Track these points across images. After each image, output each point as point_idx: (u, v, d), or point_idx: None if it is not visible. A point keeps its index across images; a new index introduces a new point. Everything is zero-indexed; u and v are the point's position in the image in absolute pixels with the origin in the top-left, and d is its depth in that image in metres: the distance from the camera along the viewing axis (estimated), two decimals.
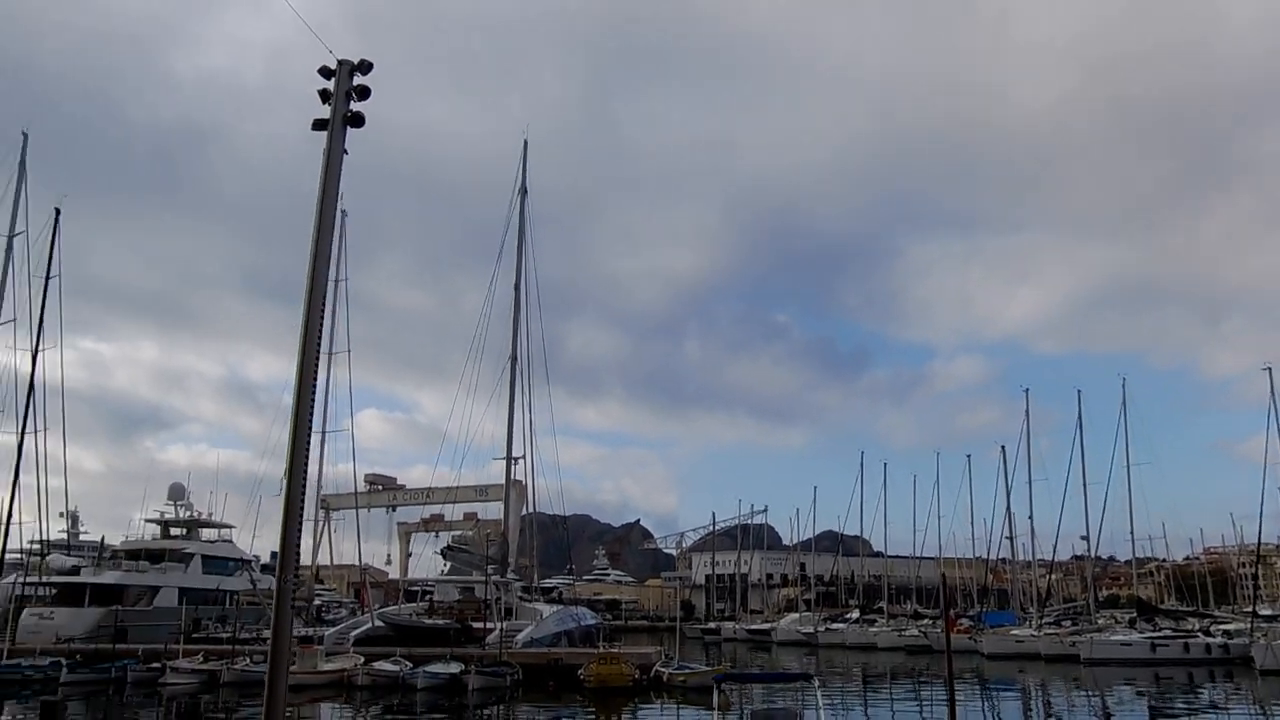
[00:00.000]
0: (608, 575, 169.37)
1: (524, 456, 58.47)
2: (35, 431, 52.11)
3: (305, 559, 74.20)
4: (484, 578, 54.64)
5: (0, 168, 58.63)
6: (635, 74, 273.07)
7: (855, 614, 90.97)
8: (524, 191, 61.52)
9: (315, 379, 12.11)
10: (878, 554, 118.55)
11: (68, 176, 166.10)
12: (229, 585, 61.56)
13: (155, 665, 40.12)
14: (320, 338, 12.23)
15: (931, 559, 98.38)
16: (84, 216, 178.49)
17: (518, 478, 60.87)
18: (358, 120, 11.90)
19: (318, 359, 12.16)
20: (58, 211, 57.56)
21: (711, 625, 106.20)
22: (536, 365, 59.33)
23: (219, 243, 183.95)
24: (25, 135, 60.57)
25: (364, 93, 11.92)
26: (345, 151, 12.14)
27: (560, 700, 37.34)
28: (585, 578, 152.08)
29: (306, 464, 12.15)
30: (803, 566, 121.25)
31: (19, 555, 59.97)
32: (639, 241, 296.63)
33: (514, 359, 59.24)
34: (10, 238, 57.18)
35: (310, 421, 12.22)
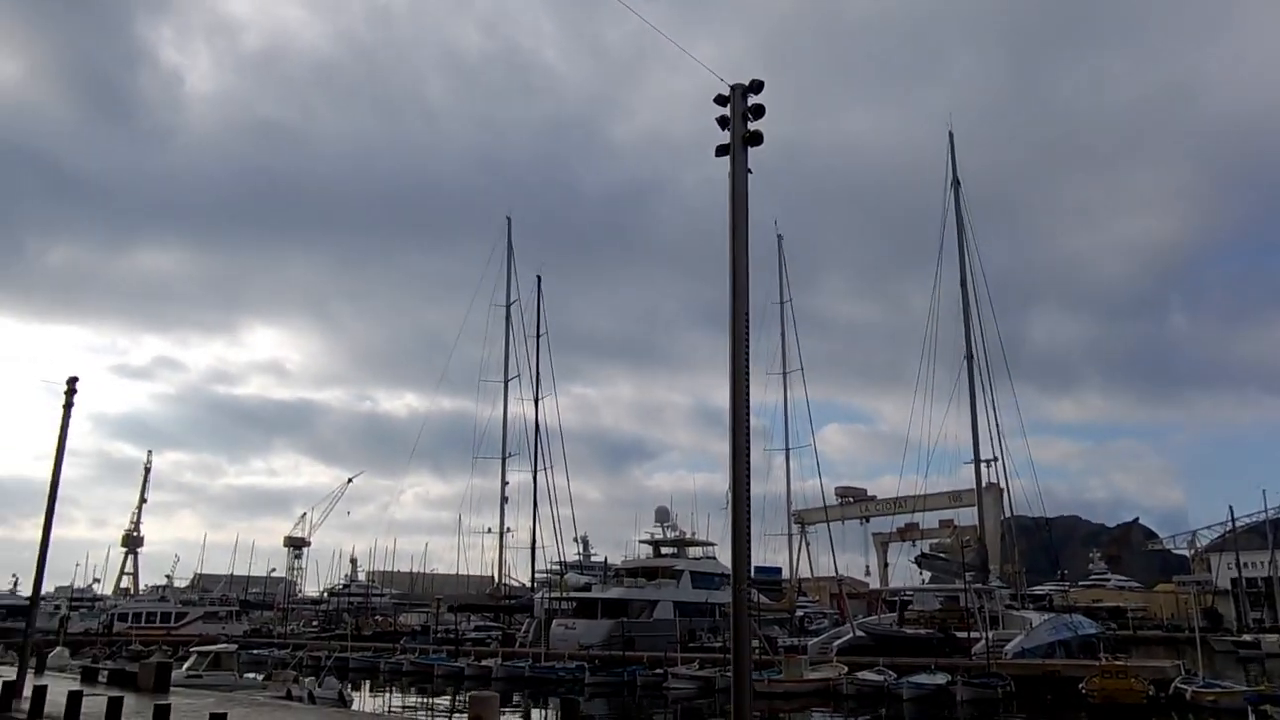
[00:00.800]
0: (1107, 580, 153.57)
1: (996, 459, 55.53)
2: (545, 469, 60.93)
3: (785, 573, 77.18)
4: (964, 585, 52.47)
5: (493, 250, 69.82)
6: (1064, 38, 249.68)
7: None
8: (956, 184, 58.97)
9: (748, 398, 12.49)
10: None
11: (543, 248, 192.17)
12: (716, 598, 65.79)
13: (659, 671, 43.94)
14: (748, 356, 12.62)
15: None
16: (560, 280, 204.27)
17: (991, 480, 57.99)
18: (756, 139, 12.17)
19: (748, 377, 12.56)
20: (539, 279, 67.02)
21: (1247, 638, 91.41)
22: (996, 362, 56.12)
23: (673, 284, 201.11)
24: (509, 219, 71.43)
25: (759, 111, 12.18)
26: (749, 170, 12.51)
27: (1059, 716, 34.45)
28: (1081, 583, 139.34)
29: (749, 481, 12.56)
30: None
31: (545, 574, 69.83)
32: (1095, 215, 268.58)
33: (970, 357, 56.68)
34: (508, 306, 67.67)
35: (748, 440, 12.63)
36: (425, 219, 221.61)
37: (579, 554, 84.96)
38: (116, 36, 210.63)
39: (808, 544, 76.10)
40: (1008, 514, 63.43)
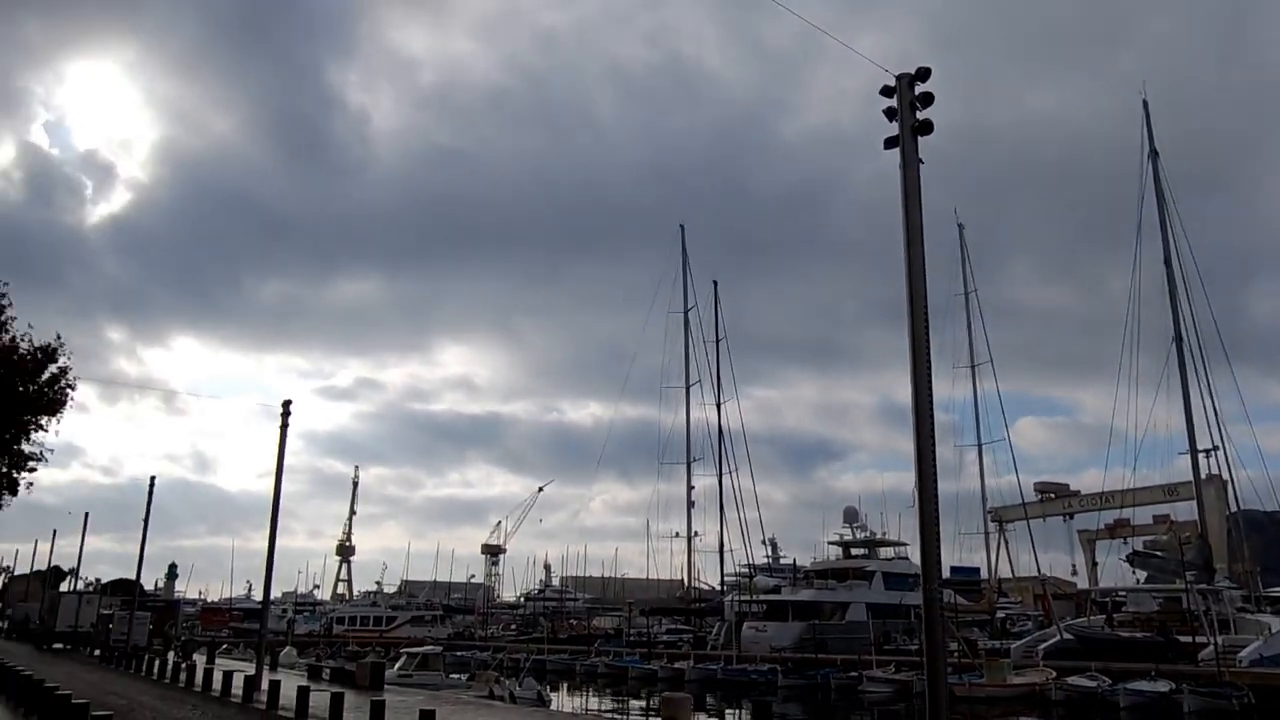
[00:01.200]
0: None
1: (1217, 448, 51.22)
2: (730, 472, 61.15)
3: (984, 573, 74.01)
4: (1186, 585, 48.64)
5: (668, 258, 70.69)
6: None
7: None
8: (1154, 155, 54.80)
9: (930, 394, 12.16)
10: None
11: (718, 253, 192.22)
12: (910, 600, 63.89)
13: (852, 674, 43.12)
14: (929, 349, 12.29)
15: None
16: (736, 284, 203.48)
17: (1212, 472, 53.51)
18: (925, 128, 11.85)
19: (930, 373, 12.23)
20: (715, 285, 67.39)
21: None
22: (1211, 343, 51.70)
23: (851, 281, 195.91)
24: (682, 228, 72.11)
25: (927, 99, 11.84)
26: (921, 161, 12.18)
27: None
28: None
29: (935, 477, 12.21)
30: None
31: (734, 577, 69.91)
32: None
33: (1178, 339, 52.51)
34: (685, 313, 68.28)
35: (932, 436, 12.28)
36: (599, 232, 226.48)
37: (768, 556, 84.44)
38: (310, 86, 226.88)
39: (1006, 543, 72.71)
40: (1233, 508, 58.33)
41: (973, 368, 64.54)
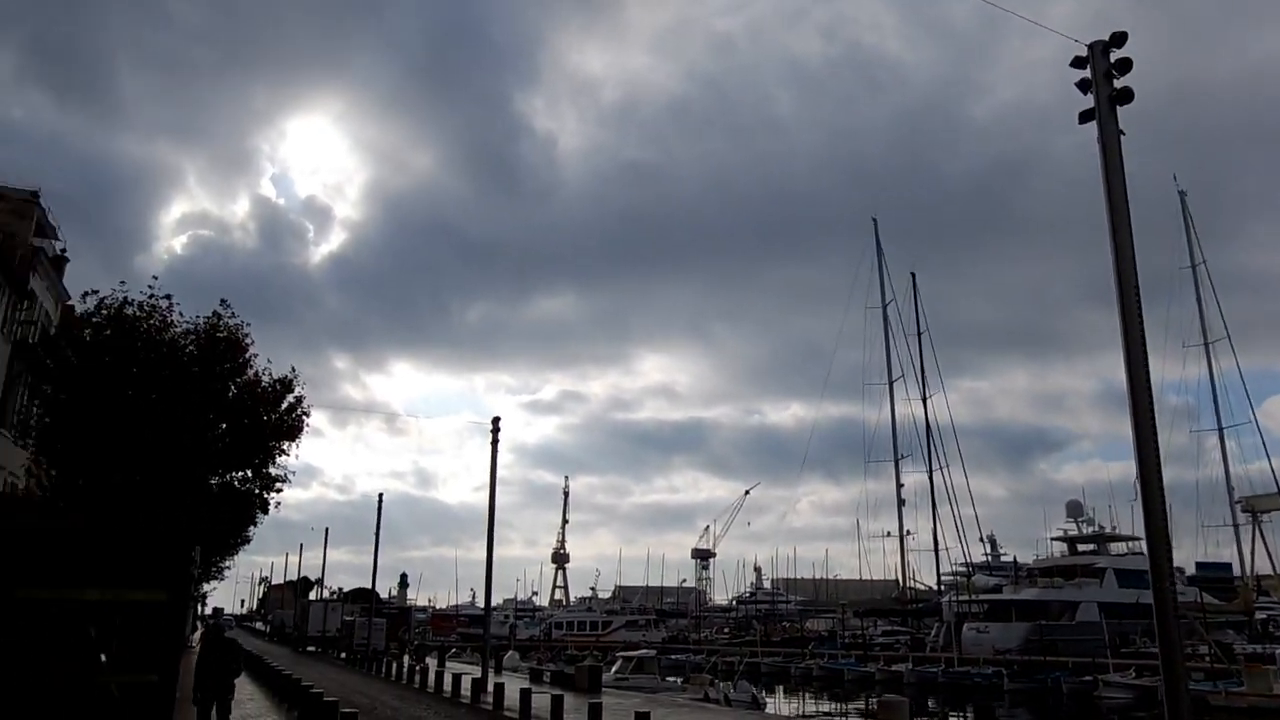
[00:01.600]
0: None
1: None
2: (940, 468, 59.10)
3: (1236, 569, 67.66)
4: None
5: (862, 253, 69.27)
6: None
7: None
8: None
9: (1148, 377, 11.43)
10: None
11: (913, 244, 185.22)
12: (1148, 598, 59.30)
13: (1086, 678, 40.52)
14: (1142, 327, 11.50)
15: None
16: (935, 274, 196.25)
17: None
18: (1125, 96, 11.11)
19: (1145, 349, 11.44)
20: (913, 277, 65.42)
21: None
22: None
23: (1058, 262, 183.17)
24: (874, 220, 70.51)
25: (1125, 66, 11.09)
26: (1121, 132, 11.42)
27: None
28: None
29: (1159, 464, 11.40)
30: None
31: (950, 577, 67.34)
32: None
33: None
34: (884, 308, 66.64)
35: (1152, 421, 11.50)
36: (787, 231, 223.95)
37: (986, 554, 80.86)
38: (500, 116, 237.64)
39: (1263, 536, 66.16)
40: None
41: (1206, 345, 59.45)
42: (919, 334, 63.25)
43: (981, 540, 73.24)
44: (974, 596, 61.22)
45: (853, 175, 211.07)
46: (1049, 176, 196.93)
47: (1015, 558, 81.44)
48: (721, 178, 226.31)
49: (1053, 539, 70.56)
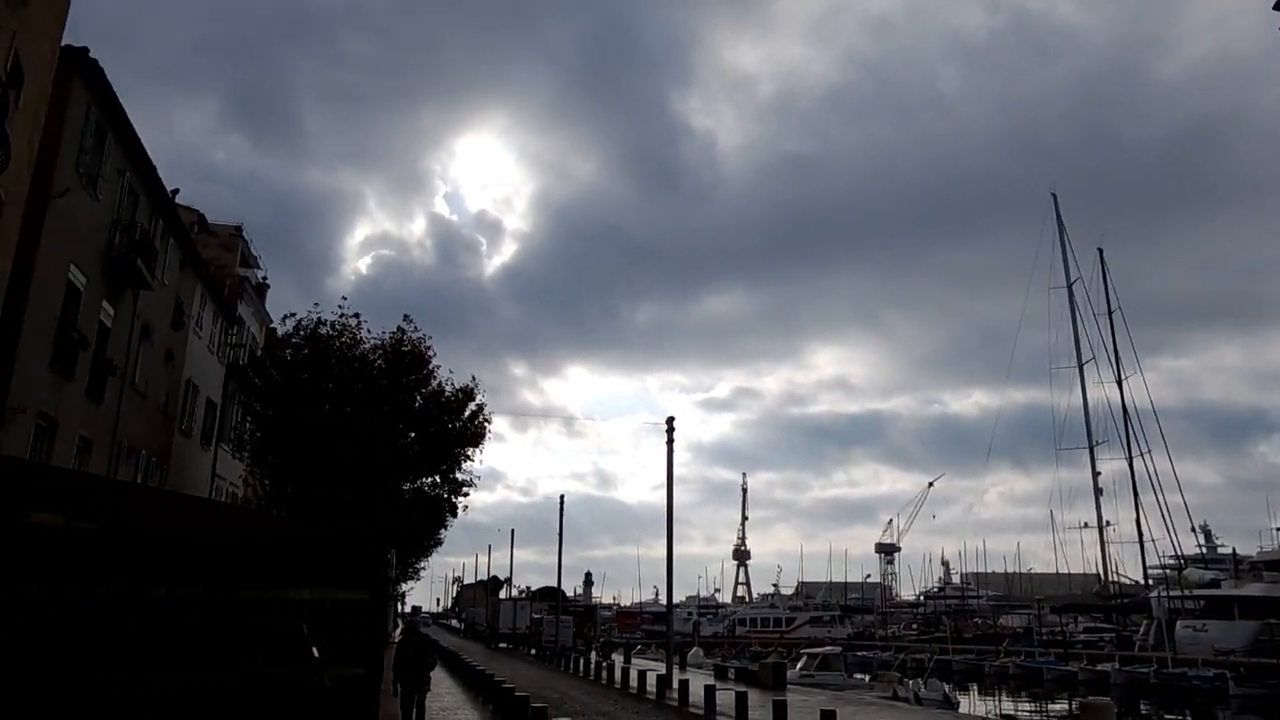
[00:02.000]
0: None
1: None
2: (1142, 454, 55.31)
3: None
4: None
5: (1042, 230, 65.71)
6: None
7: None
8: None
9: None
10: None
11: (1098, 217, 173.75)
12: None
13: None
14: None
15: None
16: (1125, 248, 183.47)
17: None
18: None
19: None
20: (1100, 252, 61.59)
21: None
22: None
23: (1267, 225, 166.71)
24: (1054, 195, 66.74)
25: None
26: None
27: None
28: None
29: None
30: None
31: (1159, 570, 62.86)
32: None
33: None
34: (1069, 286, 63.12)
35: None
36: (958, 212, 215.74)
37: (1199, 546, 74.92)
38: (658, 119, 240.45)
39: None
40: None
41: None
42: (1109, 312, 59.45)
43: (1193, 530, 67.99)
44: (1189, 591, 56.86)
45: (1027, 149, 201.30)
46: (1252, 134, 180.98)
47: (1234, 549, 75.10)
48: (885, 162, 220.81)
49: (1277, 528, 64.84)
